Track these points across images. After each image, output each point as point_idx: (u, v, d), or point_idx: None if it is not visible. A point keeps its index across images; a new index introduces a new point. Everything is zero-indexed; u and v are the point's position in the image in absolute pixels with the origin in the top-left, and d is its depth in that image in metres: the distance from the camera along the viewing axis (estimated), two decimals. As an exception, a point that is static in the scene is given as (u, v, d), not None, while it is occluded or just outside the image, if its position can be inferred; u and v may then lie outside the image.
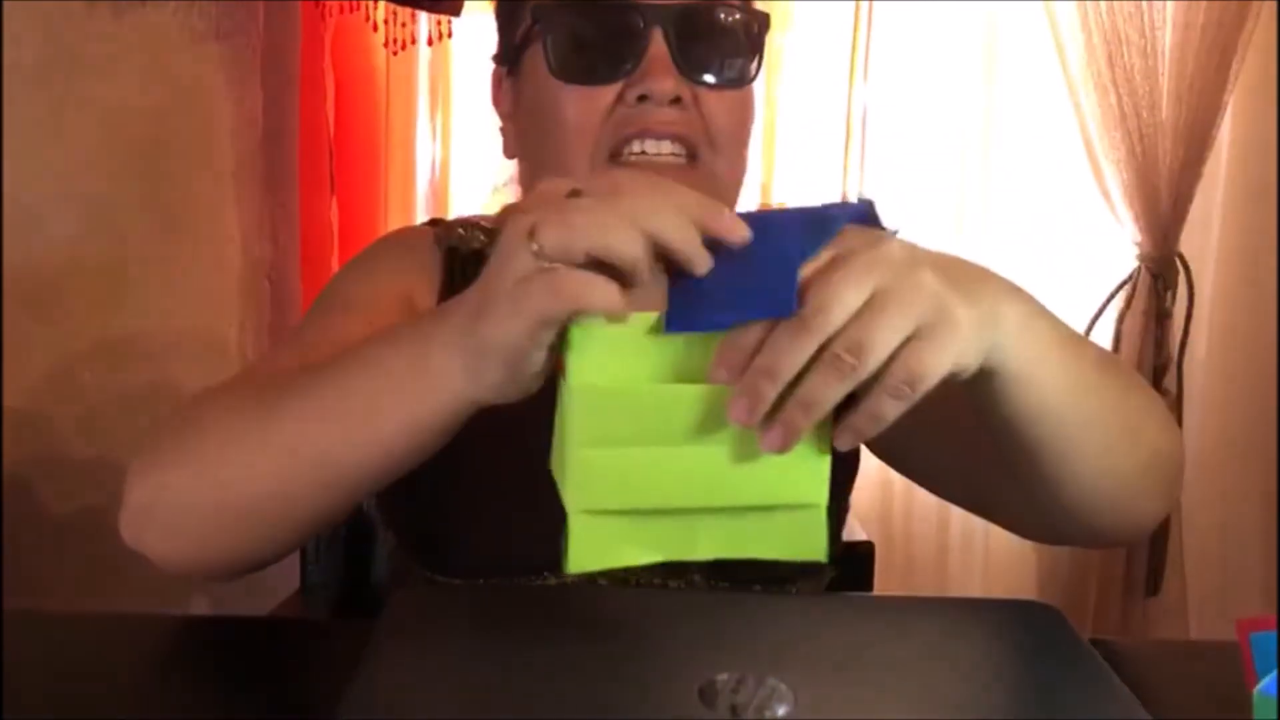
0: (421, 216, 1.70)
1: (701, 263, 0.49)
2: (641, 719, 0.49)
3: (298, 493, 0.60)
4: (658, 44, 0.74)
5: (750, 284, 0.49)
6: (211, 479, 0.61)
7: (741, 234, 0.49)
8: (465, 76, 1.77)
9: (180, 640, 0.71)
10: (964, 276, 0.52)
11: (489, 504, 0.79)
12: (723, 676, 0.52)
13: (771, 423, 0.48)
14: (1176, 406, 1.72)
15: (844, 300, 0.47)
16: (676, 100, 0.74)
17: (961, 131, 1.82)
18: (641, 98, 0.74)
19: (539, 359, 0.52)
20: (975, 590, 1.84)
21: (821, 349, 0.47)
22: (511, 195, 0.98)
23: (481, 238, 0.85)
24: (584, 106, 0.75)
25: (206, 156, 1.51)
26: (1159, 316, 1.72)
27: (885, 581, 1.83)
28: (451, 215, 1.09)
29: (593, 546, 0.51)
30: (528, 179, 0.84)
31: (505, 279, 0.50)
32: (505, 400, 0.55)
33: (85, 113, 1.43)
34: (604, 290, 0.48)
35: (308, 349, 0.69)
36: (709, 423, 0.49)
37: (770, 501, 0.51)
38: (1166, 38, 1.63)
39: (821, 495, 0.51)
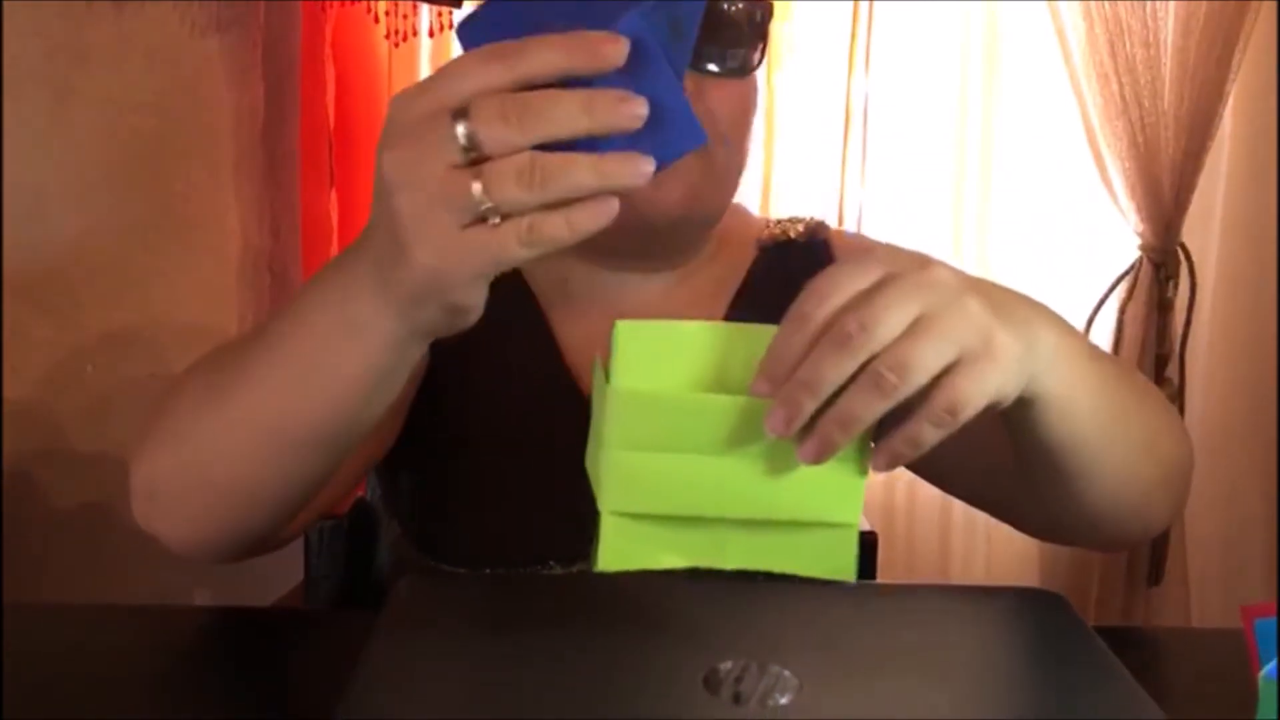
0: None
1: (632, 121, 0.45)
2: (646, 707, 0.49)
3: (268, 462, 0.60)
4: None
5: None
6: (187, 460, 0.61)
7: (619, 58, 0.45)
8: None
9: (184, 631, 0.71)
10: (1006, 303, 0.51)
11: (494, 494, 0.79)
12: (726, 664, 0.52)
13: (808, 435, 0.48)
14: (1179, 396, 1.72)
15: (890, 320, 0.47)
16: None
17: (963, 122, 1.82)
18: None
19: (483, 296, 0.50)
20: (978, 579, 1.84)
21: (863, 367, 0.47)
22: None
23: None
24: None
25: (208, 148, 1.51)
26: (1161, 307, 1.71)
27: (888, 571, 1.83)
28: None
29: (623, 548, 0.51)
30: None
31: (420, 198, 0.46)
32: (451, 334, 0.53)
33: (87, 105, 1.42)
34: (601, 209, 0.46)
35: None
36: (748, 434, 0.49)
37: (803, 518, 0.51)
38: (1169, 27, 1.62)
39: (854, 516, 0.51)
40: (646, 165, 0.46)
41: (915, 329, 0.47)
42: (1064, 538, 0.76)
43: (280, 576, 1.12)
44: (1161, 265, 1.70)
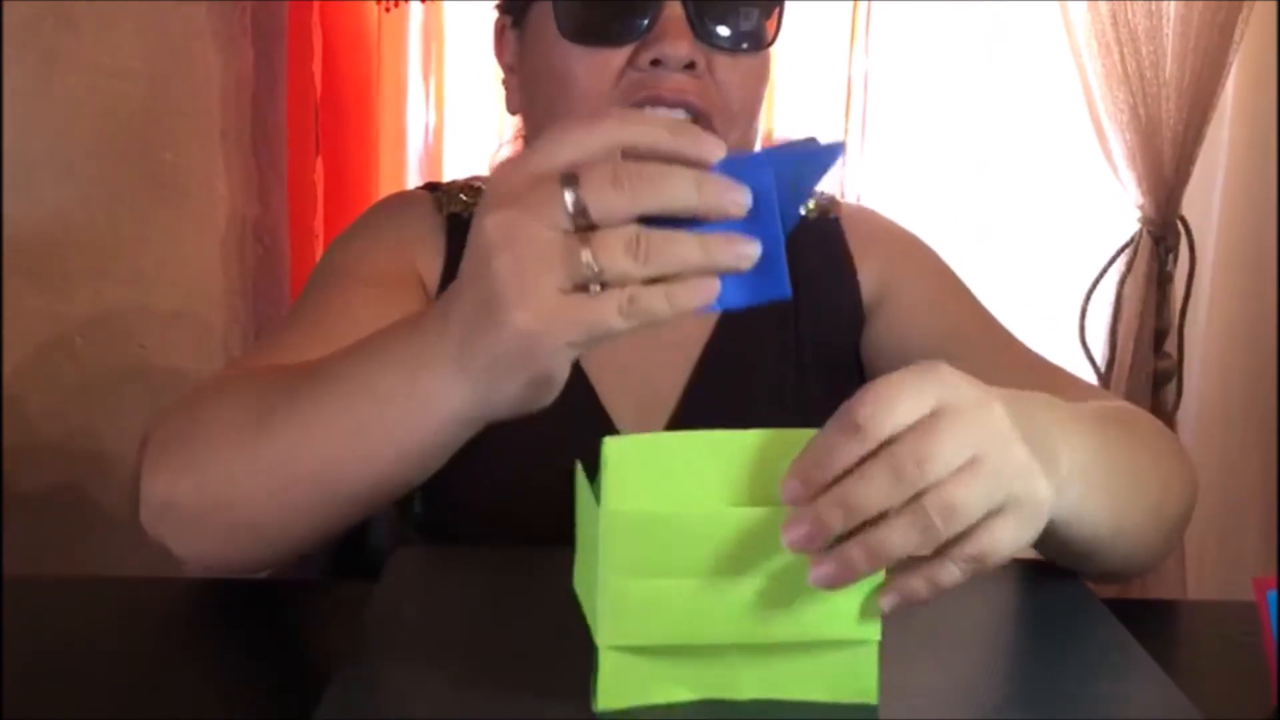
0: (413, 182, 1.67)
1: (739, 261, 0.46)
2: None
3: (300, 508, 0.59)
4: (673, 5, 0.72)
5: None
6: (213, 491, 0.59)
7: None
8: (460, 36, 1.74)
9: (178, 601, 0.70)
10: (1040, 433, 0.50)
11: (494, 478, 0.77)
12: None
13: (827, 556, 0.45)
14: (1177, 370, 1.71)
15: (947, 460, 0.44)
16: (690, 66, 0.72)
17: (963, 95, 1.80)
18: (654, 62, 0.71)
19: (567, 369, 0.49)
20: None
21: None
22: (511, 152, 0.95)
23: None
24: (593, 70, 0.72)
25: (197, 116, 1.49)
26: (1160, 281, 1.70)
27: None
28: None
29: (624, 684, 0.47)
30: (533, 137, 0.82)
31: (524, 260, 0.45)
32: (522, 413, 0.51)
33: (74, 72, 1.40)
34: (699, 290, 0.45)
35: (314, 326, 0.68)
36: (755, 550, 0.45)
37: (820, 637, 0.47)
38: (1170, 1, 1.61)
39: (874, 631, 0.47)
40: (751, 249, 0.45)
41: (967, 472, 0.45)
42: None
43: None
44: (1161, 239, 1.69)
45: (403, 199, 0.87)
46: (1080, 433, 0.56)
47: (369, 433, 0.54)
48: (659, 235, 0.45)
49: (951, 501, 0.44)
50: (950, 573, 0.46)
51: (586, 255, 0.44)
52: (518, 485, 0.76)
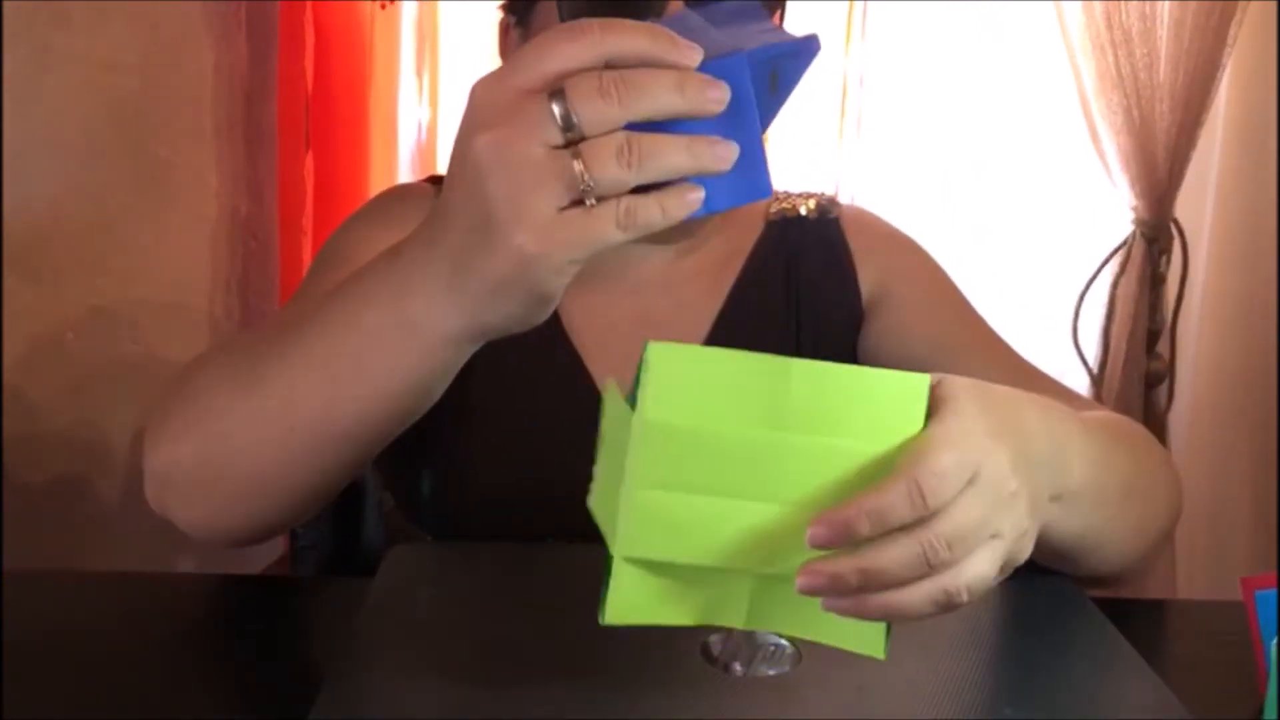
0: (405, 178, 1.66)
1: (717, 163, 0.45)
2: (644, 677, 0.48)
3: (299, 457, 0.58)
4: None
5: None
6: (214, 452, 0.59)
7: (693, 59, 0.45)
8: (454, 33, 1.73)
9: (175, 598, 0.70)
10: (1056, 447, 0.52)
11: (490, 468, 0.78)
12: (725, 634, 0.51)
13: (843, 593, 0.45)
14: (1169, 371, 1.72)
15: (972, 543, 0.45)
16: None
17: (958, 96, 1.81)
18: None
19: (564, 286, 0.48)
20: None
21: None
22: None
23: None
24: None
25: (190, 111, 1.48)
26: (1153, 282, 1.71)
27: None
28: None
29: (633, 599, 0.46)
30: None
31: (519, 181, 0.44)
32: (520, 330, 0.51)
33: (67, 65, 1.40)
34: (687, 198, 0.45)
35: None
36: (785, 479, 0.44)
37: None
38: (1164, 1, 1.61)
39: None
40: (730, 151, 0.45)
41: (987, 549, 0.46)
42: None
43: (266, 546, 1.11)
44: (1154, 240, 1.70)
45: (405, 190, 0.88)
46: (1087, 449, 0.57)
47: (363, 368, 0.54)
48: (647, 139, 0.44)
49: (973, 580, 0.45)
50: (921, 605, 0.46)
51: (579, 168, 0.44)
52: (519, 477, 0.77)
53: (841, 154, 1.82)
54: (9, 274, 1.38)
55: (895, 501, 0.43)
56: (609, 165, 0.44)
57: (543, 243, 0.45)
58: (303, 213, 1.54)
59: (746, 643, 0.52)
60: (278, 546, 1.13)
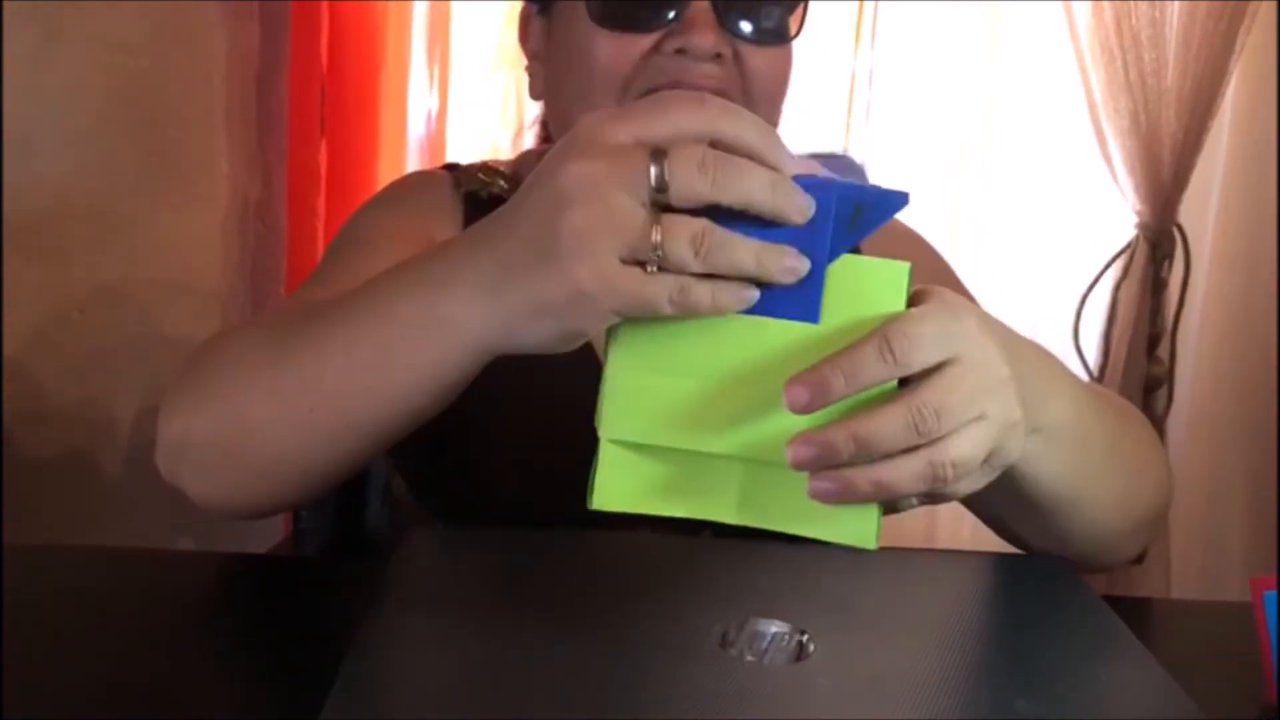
0: (413, 166, 1.66)
1: (786, 275, 0.47)
2: (659, 664, 0.48)
3: (318, 441, 0.59)
4: (700, 2, 0.72)
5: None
6: (232, 428, 0.60)
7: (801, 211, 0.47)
8: (466, 23, 1.73)
9: (184, 575, 0.70)
10: (1033, 377, 0.53)
11: (501, 453, 0.78)
12: (740, 622, 0.51)
13: (830, 474, 0.46)
14: (1169, 375, 1.72)
15: (960, 415, 0.47)
16: (716, 56, 0.72)
17: (966, 96, 1.81)
18: (680, 50, 0.72)
19: (597, 330, 0.49)
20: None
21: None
22: (531, 141, 0.96)
23: (502, 184, 0.83)
24: (618, 52, 0.73)
25: (200, 93, 1.48)
26: (1155, 287, 1.71)
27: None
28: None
29: (621, 484, 0.47)
30: (555, 123, 0.83)
31: (598, 220, 0.45)
32: (542, 353, 0.52)
33: (78, 45, 1.39)
34: (740, 295, 0.46)
35: (329, 286, 0.68)
36: (769, 366, 0.46)
37: None
38: (1174, 4, 1.61)
39: None
40: (801, 264, 0.46)
41: (974, 427, 0.48)
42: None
43: (268, 528, 1.11)
44: (1157, 245, 1.70)
45: (423, 176, 0.89)
46: (1074, 393, 0.59)
47: (385, 358, 0.55)
48: (722, 235, 0.45)
49: (960, 458, 0.47)
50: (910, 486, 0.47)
51: (656, 235, 0.45)
52: (534, 464, 0.77)
53: (848, 152, 1.82)
54: (18, 252, 1.38)
55: (866, 356, 0.45)
56: (682, 244, 0.45)
57: (599, 284, 0.46)
58: (317, 197, 1.54)
59: (761, 632, 0.52)
60: (280, 529, 1.13)
